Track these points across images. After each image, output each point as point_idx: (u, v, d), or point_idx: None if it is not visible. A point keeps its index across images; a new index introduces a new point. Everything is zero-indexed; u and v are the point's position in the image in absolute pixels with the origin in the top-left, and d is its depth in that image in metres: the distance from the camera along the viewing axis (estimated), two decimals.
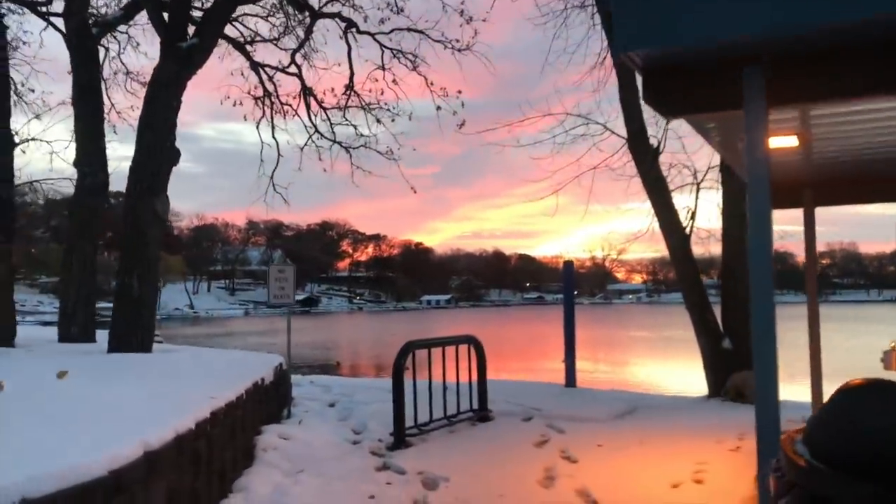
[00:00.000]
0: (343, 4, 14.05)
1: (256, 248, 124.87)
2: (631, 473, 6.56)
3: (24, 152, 14.58)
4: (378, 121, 14.80)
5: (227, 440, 5.76)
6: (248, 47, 14.66)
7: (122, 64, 15.39)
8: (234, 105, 15.33)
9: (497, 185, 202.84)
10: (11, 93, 12.46)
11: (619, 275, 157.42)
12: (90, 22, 12.30)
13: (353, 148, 15.14)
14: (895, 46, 3.20)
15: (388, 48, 14.35)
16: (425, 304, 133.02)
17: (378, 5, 13.99)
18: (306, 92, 15.09)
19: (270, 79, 15.10)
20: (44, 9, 13.38)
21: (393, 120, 14.77)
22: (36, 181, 15.53)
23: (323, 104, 15.18)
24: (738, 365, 10.73)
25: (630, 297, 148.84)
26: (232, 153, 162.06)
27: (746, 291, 11.34)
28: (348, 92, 14.99)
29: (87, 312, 11.29)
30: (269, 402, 7.95)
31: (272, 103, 15.30)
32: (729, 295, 11.55)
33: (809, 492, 0.86)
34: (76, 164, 11.73)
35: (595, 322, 56.44)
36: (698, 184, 12.70)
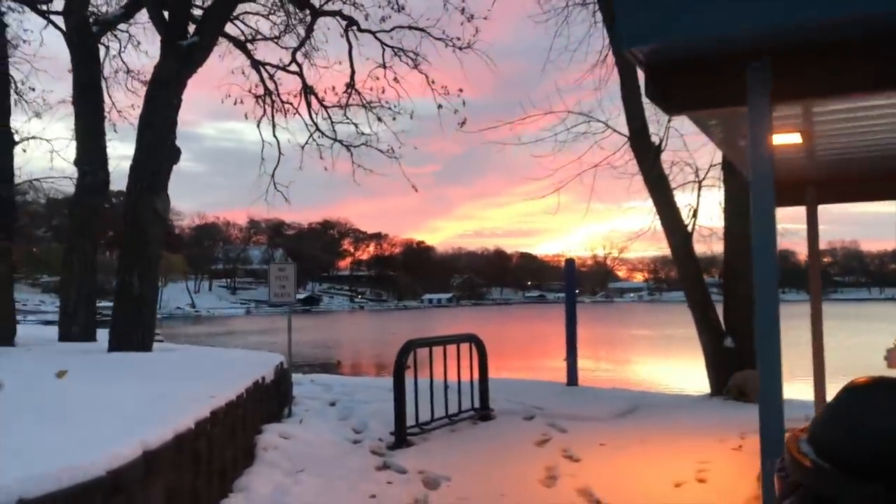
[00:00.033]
0: (344, 2, 14.04)
1: (258, 246, 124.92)
2: (633, 472, 6.53)
3: (24, 151, 14.57)
4: (379, 119, 14.78)
5: (227, 439, 5.73)
6: (249, 45, 14.63)
7: (123, 62, 15.38)
8: (235, 104, 15.31)
9: (498, 184, 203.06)
10: (11, 91, 12.45)
11: (621, 273, 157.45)
12: (90, 20, 12.27)
13: (354, 146, 15.12)
14: None
15: (388, 46, 14.33)
16: (427, 302, 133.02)
17: (379, 3, 13.96)
18: (307, 90, 15.06)
19: (271, 77, 15.09)
20: (44, 7, 13.35)
21: (394, 118, 14.76)
22: (36, 180, 15.53)
23: (324, 102, 15.17)
24: (741, 363, 10.70)
25: (631, 295, 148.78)
26: (233, 152, 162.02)
27: (748, 289, 11.29)
28: (349, 90, 14.98)
29: (88, 311, 11.27)
30: (269, 401, 7.92)
31: (273, 102, 15.28)
32: (731, 293, 11.52)
33: (814, 492, 0.85)
34: (76, 162, 11.71)
35: (596, 320, 56.41)
36: (700, 182, 12.68)
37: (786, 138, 4.84)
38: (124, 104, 27.66)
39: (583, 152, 13.81)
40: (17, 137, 11.81)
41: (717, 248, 12.39)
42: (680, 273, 12.33)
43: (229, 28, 13.36)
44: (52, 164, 18.90)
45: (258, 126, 15.40)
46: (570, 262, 13.09)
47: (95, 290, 11.69)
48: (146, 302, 9.43)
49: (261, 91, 15.08)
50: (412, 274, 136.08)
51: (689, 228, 11.96)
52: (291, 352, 9.32)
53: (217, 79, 16.52)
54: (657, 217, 12.08)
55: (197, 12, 11.64)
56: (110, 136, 12.87)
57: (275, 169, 15.46)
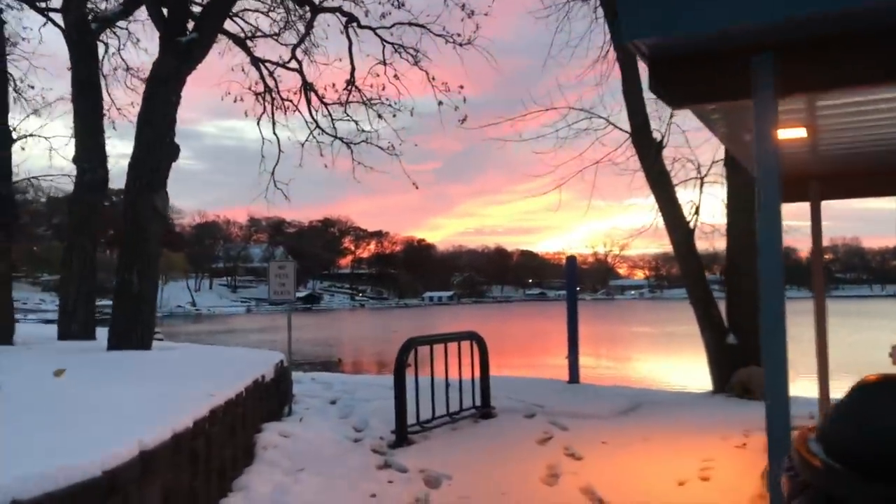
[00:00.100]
0: None
1: (258, 245, 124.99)
2: (636, 471, 6.48)
3: (23, 149, 14.54)
4: (379, 116, 14.75)
5: (226, 438, 5.69)
6: (249, 42, 14.58)
7: (122, 60, 15.34)
8: (235, 101, 15.28)
9: (499, 181, 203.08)
10: (10, 89, 12.40)
11: (622, 270, 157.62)
12: (89, 17, 12.22)
13: (355, 143, 15.08)
14: None
15: (389, 43, 14.29)
16: (427, 300, 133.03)
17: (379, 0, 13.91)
18: (307, 87, 15.02)
19: (271, 74, 15.04)
20: (42, 4, 13.30)
21: (394, 115, 14.72)
22: (35, 178, 15.50)
23: (324, 100, 15.13)
24: (743, 360, 10.65)
25: (632, 292, 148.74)
26: (233, 150, 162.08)
27: (751, 286, 11.26)
28: (349, 87, 14.94)
29: (87, 310, 11.23)
30: (269, 399, 7.88)
31: (273, 99, 15.24)
32: (733, 290, 11.46)
33: (824, 492, 0.83)
34: (75, 160, 11.66)
35: (598, 318, 56.41)
36: (702, 178, 12.62)
37: (790, 133, 4.78)
38: (123, 102, 27.68)
39: (584, 149, 13.74)
40: (15, 135, 11.75)
41: (719, 244, 12.35)
42: (682, 270, 12.27)
43: (229, 25, 13.33)
44: (51, 162, 18.94)
45: (258, 123, 15.38)
46: (571, 259, 13.03)
47: (95, 288, 11.64)
48: (145, 300, 9.39)
49: (261, 88, 15.05)
50: (413, 272, 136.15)
51: (692, 225, 11.91)
52: (292, 350, 9.28)
53: (217, 76, 16.61)
54: (659, 214, 12.03)
55: (196, 9, 11.60)
56: (109, 133, 12.84)
57: (275, 167, 15.43)
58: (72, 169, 12.10)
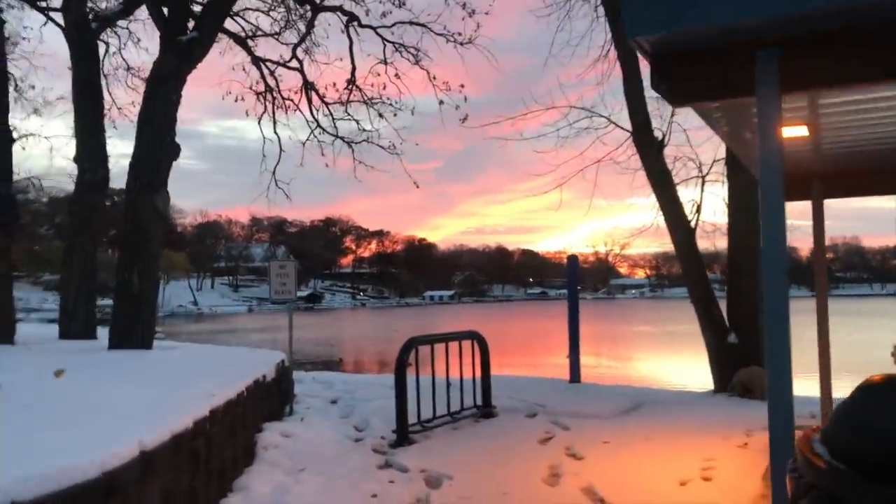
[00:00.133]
0: None
1: (260, 244, 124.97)
2: (637, 471, 6.45)
3: (23, 149, 14.52)
4: (380, 115, 14.72)
5: (226, 438, 5.67)
6: (250, 42, 14.55)
7: (123, 59, 15.32)
8: (236, 100, 15.25)
9: (499, 181, 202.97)
10: (11, 89, 12.38)
11: (622, 270, 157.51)
12: (89, 16, 12.20)
13: (356, 143, 15.06)
14: None
15: (389, 42, 14.27)
16: (428, 299, 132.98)
17: None
18: (308, 86, 14.99)
19: (272, 73, 15.02)
20: (43, 3, 13.28)
21: (395, 115, 14.71)
22: (35, 177, 15.49)
23: (325, 99, 15.10)
24: (745, 360, 10.63)
25: (633, 291, 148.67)
26: (235, 150, 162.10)
27: (752, 286, 11.24)
28: (350, 86, 14.91)
29: (88, 309, 11.22)
30: (270, 399, 7.86)
31: (274, 98, 15.20)
32: (735, 289, 11.43)
33: (829, 493, 0.82)
34: (76, 159, 11.65)
35: (599, 317, 56.38)
36: (703, 177, 12.58)
37: (793, 131, 4.76)
38: (124, 101, 27.63)
39: (585, 148, 13.71)
40: (15, 135, 11.73)
41: (721, 243, 12.32)
42: (683, 269, 12.24)
43: (229, 24, 13.31)
44: (51, 162, 18.93)
45: (259, 123, 15.34)
46: (572, 258, 13.01)
47: (96, 287, 11.63)
48: (146, 300, 9.37)
49: (261, 87, 15.02)
50: (414, 271, 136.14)
51: (693, 224, 11.88)
52: (293, 349, 9.26)
53: (218, 76, 16.48)
54: (660, 213, 12.00)
55: (196, 8, 11.58)
56: (110, 133, 12.81)
57: (276, 166, 15.40)
58: (73, 168, 12.08)
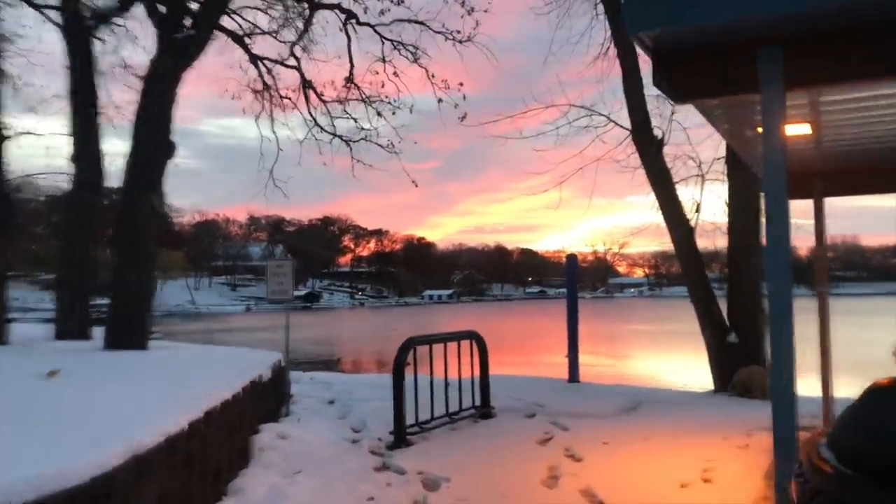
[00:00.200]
0: None
1: (258, 243, 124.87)
2: (637, 472, 6.40)
3: (19, 147, 14.44)
4: (379, 114, 14.65)
5: (222, 440, 5.61)
6: (247, 40, 14.47)
7: (120, 58, 15.21)
8: (233, 99, 15.18)
9: (499, 179, 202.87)
10: (5, 86, 12.29)
11: (621, 268, 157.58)
12: (85, 14, 12.12)
13: (354, 141, 14.99)
14: None
15: (388, 40, 14.19)
16: (427, 299, 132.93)
17: None
18: (306, 85, 14.92)
19: (269, 72, 14.93)
20: (39, 0, 13.18)
21: (393, 113, 14.63)
22: (30, 176, 15.39)
23: (323, 97, 15.03)
24: (744, 359, 10.59)
25: (632, 290, 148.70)
26: (233, 149, 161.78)
27: (752, 285, 11.20)
28: (348, 85, 14.84)
29: (84, 309, 11.14)
30: (266, 399, 7.80)
31: (271, 97, 15.13)
32: (734, 288, 11.40)
33: (836, 498, 0.81)
34: (72, 158, 11.57)
35: (597, 316, 56.37)
36: (703, 175, 12.55)
37: (795, 129, 4.72)
38: (120, 99, 27.49)
39: (584, 146, 13.69)
40: (10, 133, 11.65)
41: (720, 242, 12.28)
42: (683, 268, 12.20)
43: (226, 22, 13.22)
44: (48, 160, 18.86)
45: (257, 122, 15.27)
46: (571, 257, 12.96)
47: (91, 287, 11.56)
48: (142, 299, 9.31)
49: (259, 86, 14.93)
50: (413, 270, 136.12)
51: (692, 223, 11.84)
52: (291, 349, 9.20)
53: (215, 74, 16.44)
54: (660, 211, 11.96)
55: (194, 6, 11.50)
56: (106, 131, 12.72)
57: (273, 165, 15.33)
58: (68, 167, 12.01)
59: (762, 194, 4.01)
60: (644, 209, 13.03)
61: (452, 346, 8.69)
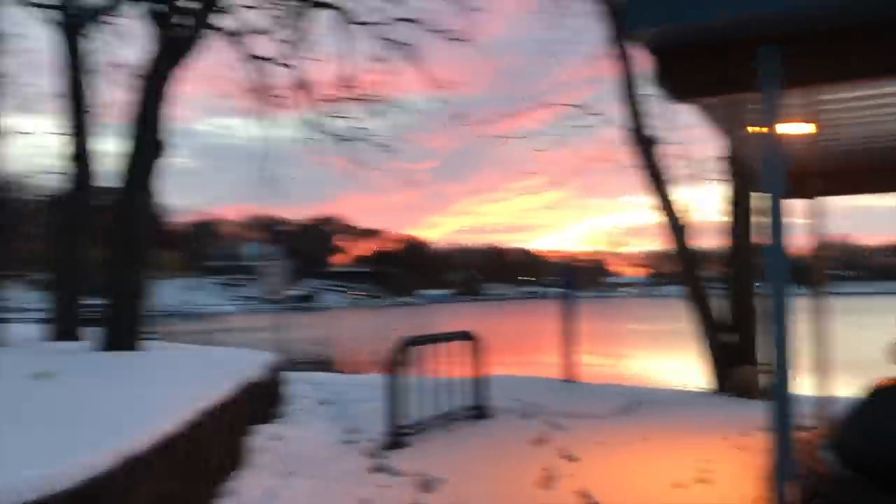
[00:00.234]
0: None
1: (253, 243, 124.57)
2: (633, 473, 6.37)
3: (11, 147, 14.32)
4: (374, 113, 14.59)
5: (216, 441, 5.56)
6: (242, 39, 14.38)
7: (112, 57, 15.12)
8: (229, 98, 15.12)
9: (495, 179, 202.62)
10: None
11: (617, 268, 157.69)
12: (76, 12, 12.05)
13: (349, 141, 14.91)
14: None
15: (383, 39, 14.11)
16: (424, 299, 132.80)
17: None
18: (301, 84, 14.84)
19: (264, 71, 14.84)
20: None
21: (389, 112, 14.57)
22: (24, 175, 15.32)
23: (317, 96, 14.94)
24: (741, 359, 10.57)
25: (627, 289, 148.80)
26: (229, 149, 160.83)
27: (748, 285, 11.17)
28: (343, 84, 14.75)
29: (77, 310, 11.08)
30: (261, 400, 7.74)
31: (266, 96, 15.04)
32: (730, 288, 11.37)
33: (836, 500, 0.74)
34: (64, 158, 11.51)
35: (593, 315, 56.26)
36: (699, 175, 12.53)
37: (795, 128, 4.69)
38: (113, 99, 27.37)
39: (580, 146, 13.67)
40: (2, 133, 11.57)
41: (716, 242, 12.25)
42: (678, 268, 12.17)
43: (221, 21, 13.14)
44: (41, 160, 18.75)
45: (252, 121, 15.18)
46: (567, 257, 12.94)
47: (84, 287, 11.49)
48: (136, 299, 9.24)
49: (255, 85, 14.85)
50: (409, 270, 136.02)
51: (688, 223, 11.82)
52: (286, 349, 9.15)
53: (210, 73, 16.30)
54: (655, 211, 11.93)
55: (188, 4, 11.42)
56: (98, 131, 12.65)
57: (269, 165, 15.22)
58: (61, 167, 11.94)
59: (759, 194, 3.98)
60: (640, 209, 13.02)
61: (448, 345, 8.63)
